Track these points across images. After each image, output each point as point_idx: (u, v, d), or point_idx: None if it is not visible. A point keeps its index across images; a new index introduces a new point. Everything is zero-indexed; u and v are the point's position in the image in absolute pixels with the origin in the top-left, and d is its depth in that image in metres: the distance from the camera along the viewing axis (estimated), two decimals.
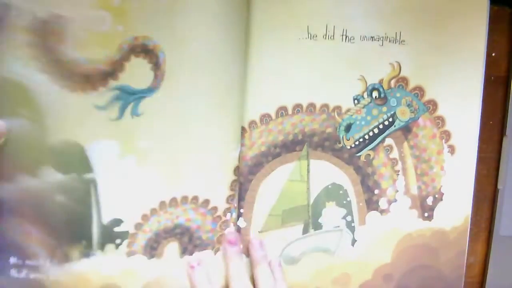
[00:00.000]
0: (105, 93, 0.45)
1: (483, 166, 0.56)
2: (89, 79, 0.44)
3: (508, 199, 0.56)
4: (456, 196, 0.54)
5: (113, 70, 0.45)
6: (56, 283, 0.47)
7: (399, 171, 0.54)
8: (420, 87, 0.52)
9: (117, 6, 0.44)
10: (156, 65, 0.46)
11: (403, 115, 0.52)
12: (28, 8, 0.42)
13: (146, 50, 0.46)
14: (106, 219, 0.47)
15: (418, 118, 0.53)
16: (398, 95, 0.52)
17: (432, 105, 0.53)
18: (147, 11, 0.45)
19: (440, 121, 0.53)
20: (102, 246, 0.48)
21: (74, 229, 0.47)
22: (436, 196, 0.54)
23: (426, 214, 0.54)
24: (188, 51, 0.47)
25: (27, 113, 0.44)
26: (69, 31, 0.43)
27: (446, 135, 0.53)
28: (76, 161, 0.46)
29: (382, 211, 0.54)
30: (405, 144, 0.53)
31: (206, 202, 0.50)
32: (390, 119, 0.52)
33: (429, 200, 0.54)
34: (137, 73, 0.46)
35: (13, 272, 0.46)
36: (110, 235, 0.48)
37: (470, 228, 0.55)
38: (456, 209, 0.54)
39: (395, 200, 0.54)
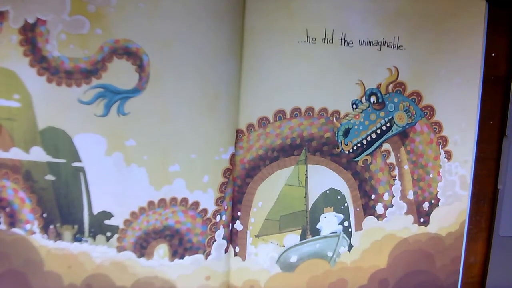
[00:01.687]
0: (89, 90, 0.47)
1: (483, 166, 0.56)
2: (72, 76, 0.47)
3: (508, 199, 0.56)
4: (452, 201, 0.55)
5: (95, 69, 0.47)
6: (48, 254, 0.49)
7: (396, 176, 0.54)
8: (418, 93, 0.53)
9: (93, 12, 0.46)
10: (140, 67, 0.47)
11: (401, 120, 0.52)
12: (20, 14, 0.46)
13: (129, 53, 0.47)
14: (96, 210, 0.49)
15: (415, 124, 0.53)
16: (395, 100, 0.52)
17: (429, 111, 0.53)
18: (126, 15, 0.47)
19: (437, 127, 0.54)
20: (93, 235, 0.49)
21: (66, 211, 0.49)
22: (432, 201, 0.55)
23: (422, 220, 0.54)
24: (172, 55, 0.48)
25: (19, 98, 0.47)
26: (52, 33, 0.46)
27: (443, 141, 0.54)
28: (64, 148, 0.48)
29: (378, 216, 0.54)
30: (402, 150, 0.53)
31: (196, 204, 0.50)
32: (388, 124, 0.52)
33: (425, 206, 0.54)
34: (121, 74, 0.47)
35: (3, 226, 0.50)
36: (101, 226, 0.49)
37: (470, 228, 0.56)
38: (452, 215, 0.55)
39: (392, 205, 0.54)
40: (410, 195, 0.54)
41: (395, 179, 0.54)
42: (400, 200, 0.54)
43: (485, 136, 0.55)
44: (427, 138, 0.53)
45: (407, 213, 0.54)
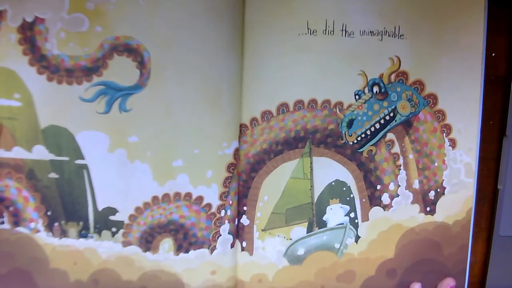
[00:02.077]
0: (90, 88, 0.47)
1: (483, 166, 0.56)
2: (73, 74, 0.47)
3: (508, 199, 0.56)
4: (458, 189, 0.54)
5: (96, 67, 0.47)
6: (54, 251, 0.49)
7: (400, 165, 0.54)
8: (420, 81, 0.52)
9: (92, 10, 0.46)
10: (141, 64, 0.47)
11: (404, 109, 0.52)
12: (18, 13, 0.46)
13: (129, 49, 0.47)
14: (101, 206, 0.49)
15: (419, 112, 0.53)
16: (398, 89, 0.52)
17: (432, 99, 0.53)
18: (126, 13, 0.47)
19: (440, 115, 0.53)
20: (99, 231, 0.49)
21: (70, 208, 0.49)
22: (438, 190, 0.54)
23: (428, 209, 0.54)
24: (173, 51, 0.48)
25: (19, 97, 0.47)
26: (51, 31, 0.46)
27: (447, 129, 0.53)
28: (67, 146, 0.48)
29: (384, 207, 0.54)
30: (406, 139, 0.53)
31: (200, 199, 0.50)
32: (391, 114, 0.52)
33: (431, 194, 0.54)
34: (122, 71, 0.48)
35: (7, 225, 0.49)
36: (106, 222, 0.49)
37: None
38: (458, 203, 0.55)
39: (397, 195, 0.54)
40: (416, 185, 0.54)
41: (400, 169, 0.53)
42: (405, 189, 0.54)
43: (485, 136, 0.54)
44: (431, 127, 0.53)
45: (413, 202, 0.54)
